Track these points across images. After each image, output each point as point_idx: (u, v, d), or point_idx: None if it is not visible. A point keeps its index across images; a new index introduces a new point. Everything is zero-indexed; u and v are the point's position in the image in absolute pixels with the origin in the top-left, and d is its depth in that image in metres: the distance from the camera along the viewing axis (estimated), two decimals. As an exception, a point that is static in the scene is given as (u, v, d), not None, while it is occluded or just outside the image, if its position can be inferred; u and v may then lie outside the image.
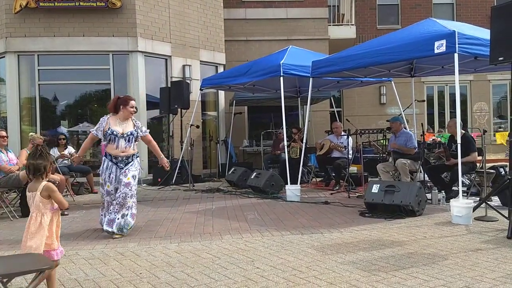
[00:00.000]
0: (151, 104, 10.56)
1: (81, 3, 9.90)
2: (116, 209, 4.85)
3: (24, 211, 6.27)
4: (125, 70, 10.38)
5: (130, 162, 4.99)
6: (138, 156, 5.17)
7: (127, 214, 4.89)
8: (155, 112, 10.78)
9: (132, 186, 4.93)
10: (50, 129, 10.44)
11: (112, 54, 10.27)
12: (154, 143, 5.37)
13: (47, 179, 2.96)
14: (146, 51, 10.37)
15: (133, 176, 4.95)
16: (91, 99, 10.82)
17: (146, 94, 10.46)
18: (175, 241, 4.55)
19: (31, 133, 7.87)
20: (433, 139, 10.38)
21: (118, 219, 4.83)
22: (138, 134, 5.12)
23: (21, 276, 3.09)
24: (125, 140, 4.97)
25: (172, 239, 4.64)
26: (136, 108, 5.21)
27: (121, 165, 4.95)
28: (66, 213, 6.21)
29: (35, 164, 2.87)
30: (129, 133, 5.00)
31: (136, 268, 3.65)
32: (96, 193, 8.51)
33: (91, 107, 10.87)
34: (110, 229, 4.82)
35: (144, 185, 9.85)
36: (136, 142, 5.16)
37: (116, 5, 9.97)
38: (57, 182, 6.73)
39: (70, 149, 8.68)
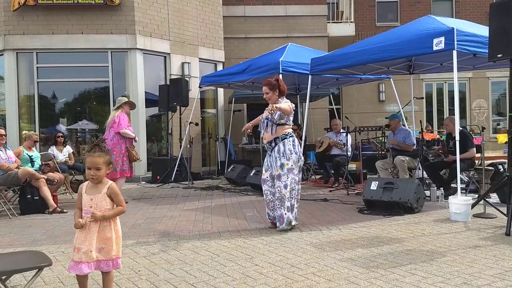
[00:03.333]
0: (150, 101, 10.54)
1: (80, 1, 9.87)
2: (278, 205, 4.71)
3: (23, 209, 6.27)
4: (124, 67, 10.36)
5: (275, 147, 4.72)
6: (284, 138, 4.69)
7: (290, 207, 4.69)
8: (154, 110, 10.77)
9: (282, 177, 4.64)
10: (49, 127, 10.44)
11: (111, 52, 10.25)
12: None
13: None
14: (145, 49, 10.36)
15: (281, 166, 4.65)
16: (90, 96, 10.80)
17: (145, 92, 10.45)
18: (173, 238, 4.55)
19: (24, 131, 7.86)
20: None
21: (285, 214, 4.65)
22: (275, 117, 4.66)
23: (19, 273, 3.10)
24: (263, 125, 4.82)
25: (170, 236, 4.64)
26: (265, 93, 4.81)
27: (269, 151, 4.82)
28: (65, 211, 6.21)
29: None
30: (264, 118, 4.82)
31: (135, 265, 3.66)
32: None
33: (90, 104, 10.85)
34: (281, 226, 4.69)
35: (143, 182, 9.86)
36: (287, 125, 4.73)
37: (114, 2, 9.95)
38: (56, 181, 6.74)
39: (69, 148, 8.64)
